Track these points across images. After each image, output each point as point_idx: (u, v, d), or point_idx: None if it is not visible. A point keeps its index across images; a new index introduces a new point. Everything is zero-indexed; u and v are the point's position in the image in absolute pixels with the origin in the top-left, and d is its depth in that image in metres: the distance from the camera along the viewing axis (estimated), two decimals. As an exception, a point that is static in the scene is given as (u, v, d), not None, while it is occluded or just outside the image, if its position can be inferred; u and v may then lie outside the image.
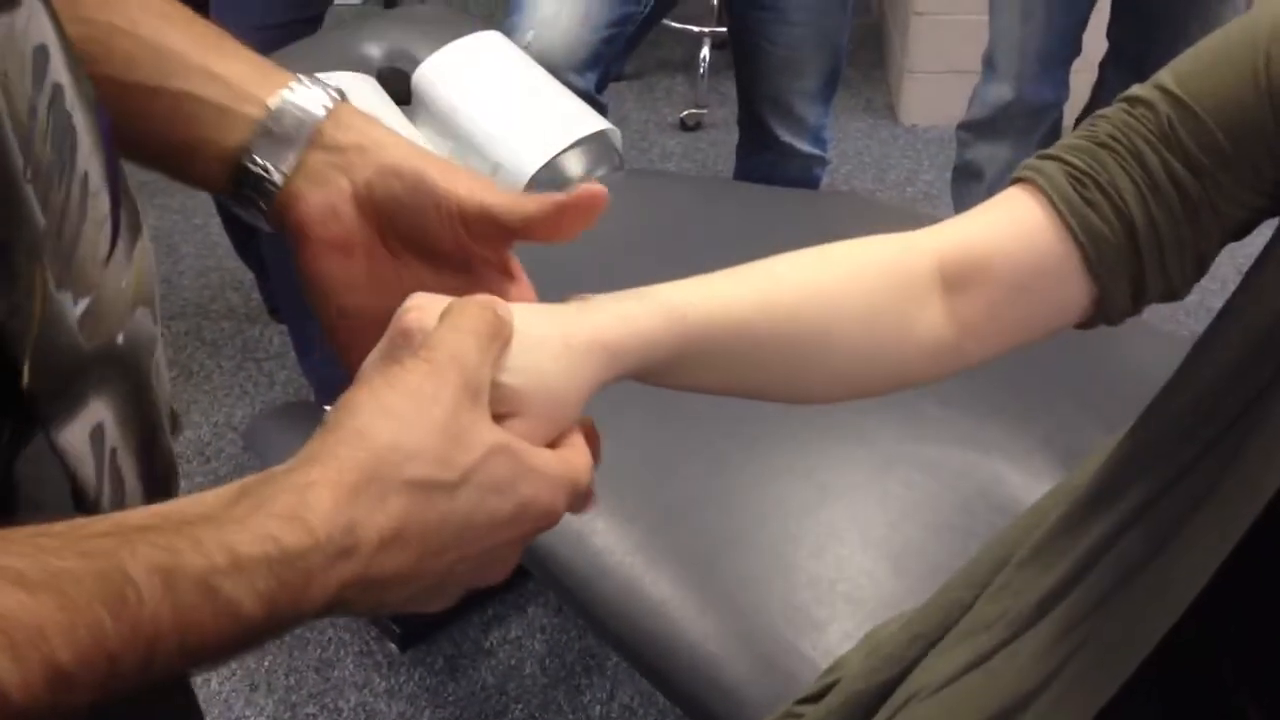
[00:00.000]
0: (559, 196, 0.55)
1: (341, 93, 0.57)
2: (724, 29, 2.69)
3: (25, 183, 0.43)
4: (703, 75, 3.02)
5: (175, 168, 0.57)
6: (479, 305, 0.50)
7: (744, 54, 1.94)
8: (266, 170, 0.55)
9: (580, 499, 0.52)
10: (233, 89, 0.55)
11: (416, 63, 1.62)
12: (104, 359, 0.49)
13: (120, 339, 0.50)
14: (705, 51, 3.03)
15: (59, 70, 0.46)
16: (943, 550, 1.10)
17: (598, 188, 0.55)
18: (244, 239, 2.08)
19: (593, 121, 1.58)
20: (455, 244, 0.57)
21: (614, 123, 1.61)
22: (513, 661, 1.70)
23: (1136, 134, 0.62)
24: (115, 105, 0.54)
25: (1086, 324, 0.65)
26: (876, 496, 1.16)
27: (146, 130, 0.56)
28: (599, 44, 1.72)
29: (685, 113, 3.00)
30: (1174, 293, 0.64)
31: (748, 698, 1.04)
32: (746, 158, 2.09)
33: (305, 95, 0.56)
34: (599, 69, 1.75)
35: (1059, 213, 0.62)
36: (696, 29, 3.09)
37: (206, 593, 0.39)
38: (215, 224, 2.42)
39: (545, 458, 0.50)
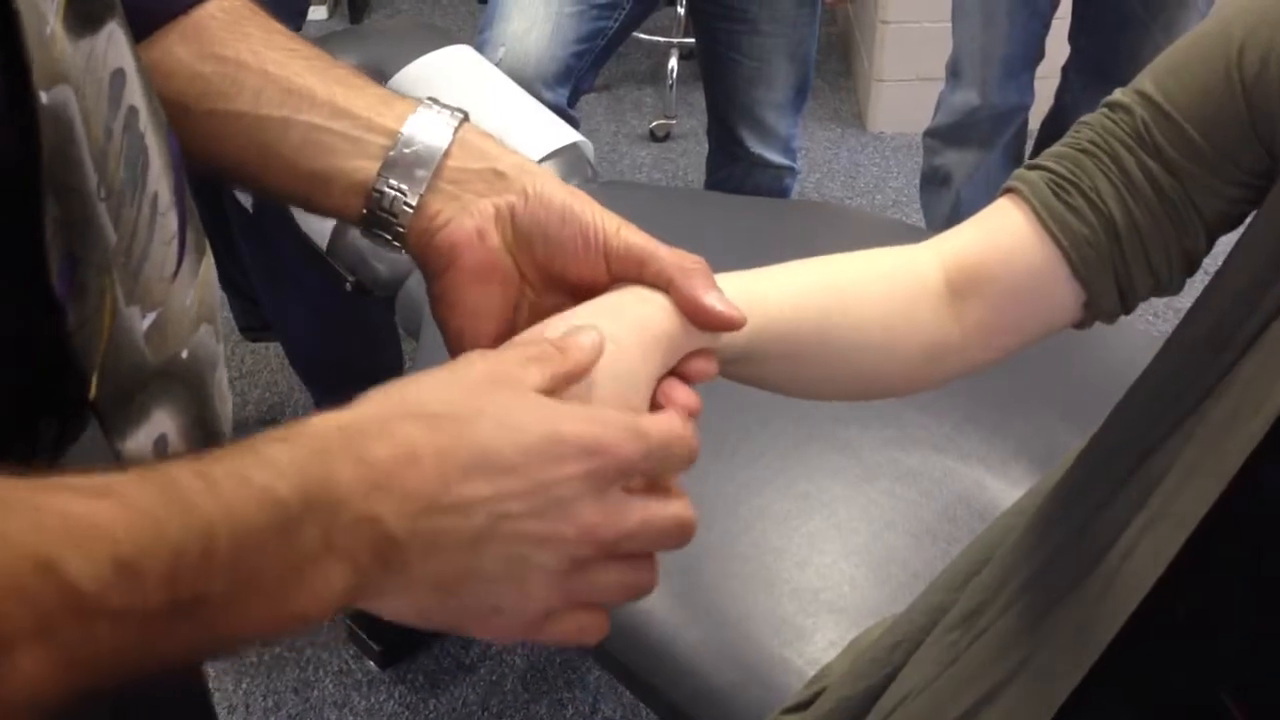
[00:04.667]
0: (703, 299, 0.56)
1: (465, 114, 0.59)
2: (691, 40, 2.70)
3: (99, 201, 0.44)
4: (671, 86, 3.03)
5: (307, 198, 0.58)
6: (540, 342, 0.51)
7: (713, 67, 1.95)
8: (402, 192, 0.56)
9: (669, 454, 0.48)
10: (360, 119, 0.57)
11: (386, 78, 1.61)
12: (168, 373, 0.50)
13: (184, 354, 0.52)
14: (673, 62, 3.04)
15: (134, 94, 0.48)
16: (925, 557, 1.11)
17: (738, 317, 0.56)
18: (215, 258, 2.06)
19: (565, 133, 1.58)
20: (593, 277, 0.58)
21: (583, 134, 1.62)
22: (494, 677, 1.70)
23: (1114, 138, 0.64)
24: (247, 138, 0.56)
25: (1081, 324, 0.67)
26: (859, 505, 1.17)
27: (278, 162, 0.57)
28: (570, 59, 1.72)
29: (654, 123, 3.01)
30: (1163, 289, 0.66)
31: (733, 708, 1.04)
32: (717, 170, 2.09)
33: (431, 120, 0.57)
34: (570, 84, 1.75)
35: (1041, 220, 0.64)
36: (664, 40, 3.10)
37: (241, 481, 0.40)
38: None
39: (588, 405, 0.49)
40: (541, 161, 1.54)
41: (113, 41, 0.46)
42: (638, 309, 0.56)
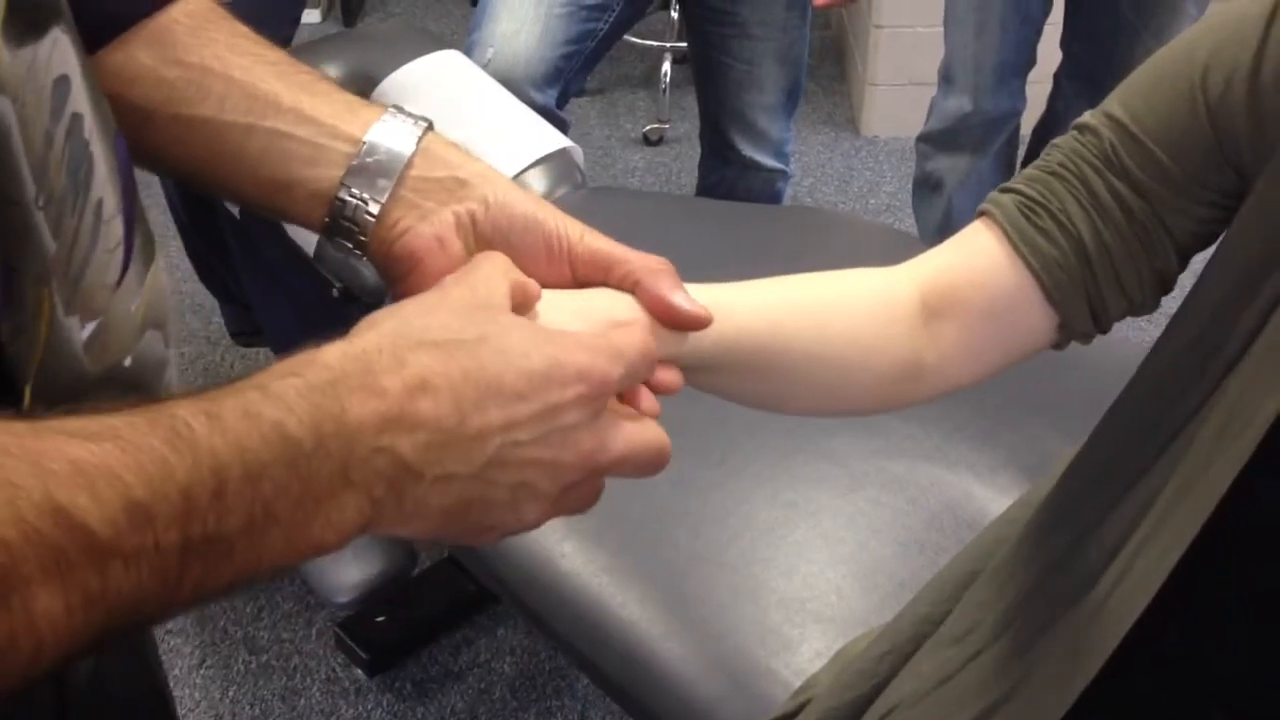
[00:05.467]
0: (670, 297, 0.57)
1: (430, 122, 0.59)
2: (684, 44, 2.69)
3: (37, 209, 0.44)
4: (664, 90, 3.03)
5: (271, 204, 0.58)
6: (507, 264, 0.53)
7: (705, 70, 1.95)
8: (363, 201, 0.56)
9: (639, 366, 0.52)
10: (325, 126, 0.57)
11: (375, 83, 1.60)
12: (111, 382, 0.50)
13: (128, 362, 0.52)
14: (666, 66, 3.04)
15: (79, 100, 0.47)
16: (912, 566, 1.10)
17: (704, 315, 0.57)
18: (206, 264, 2.06)
19: (554, 139, 1.57)
20: (559, 284, 0.58)
21: (576, 139, 1.61)
22: (482, 685, 1.69)
23: (1083, 160, 0.64)
24: (211, 144, 0.56)
25: (1057, 346, 0.67)
26: (845, 515, 1.16)
27: (242, 168, 0.57)
28: (559, 61, 1.71)
29: (648, 128, 3.01)
30: (1138, 309, 0.66)
31: (718, 718, 1.03)
32: (709, 174, 2.09)
33: (396, 128, 0.57)
34: (559, 86, 1.75)
35: (1012, 242, 0.64)
36: (657, 44, 3.10)
37: (249, 418, 0.40)
38: (175, 246, 2.39)
39: (575, 330, 0.51)
40: (530, 167, 1.53)
41: (57, 48, 0.46)
42: (604, 307, 0.57)
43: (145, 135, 0.56)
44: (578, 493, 0.50)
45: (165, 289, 0.56)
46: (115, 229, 0.50)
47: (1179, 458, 0.60)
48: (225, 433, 0.39)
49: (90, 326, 0.48)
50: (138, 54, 0.56)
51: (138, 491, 0.37)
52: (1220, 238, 0.63)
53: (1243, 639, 0.64)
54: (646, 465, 0.52)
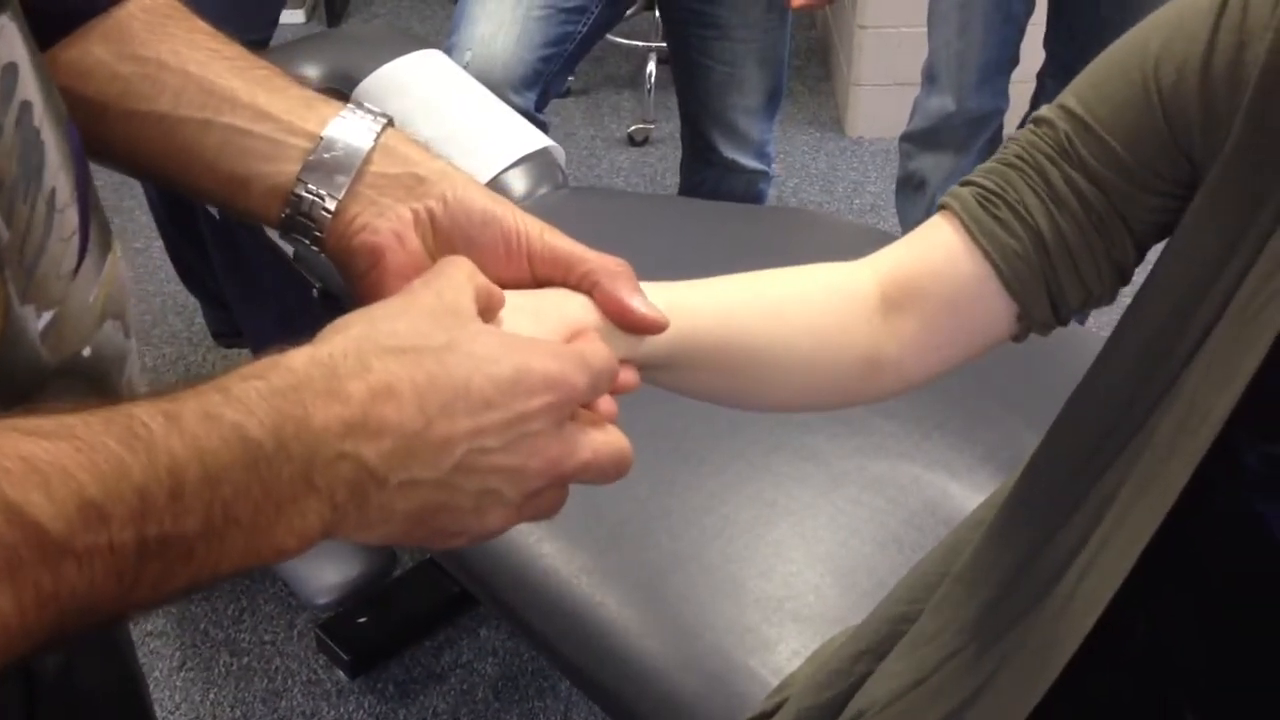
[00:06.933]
0: (627, 301, 0.57)
1: (390, 119, 0.58)
2: (668, 45, 2.69)
3: None
4: (649, 90, 3.03)
5: (227, 200, 0.58)
6: (472, 269, 0.53)
7: (685, 72, 1.94)
8: (320, 198, 0.56)
9: (604, 377, 0.52)
10: (281, 122, 0.56)
11: (355, 83, 1.60)
12: (69, 372, 0.49)
13: (86, 352, 0.51)
14: (651, 67, 3.04)
15: (28, 88, 0.47)
16: (890, 565, 1.10)
17: (661, 320, 0.57)
18: (187, 264, 2.05)
19: (535, 138, 1.57)
20: (517, 282, 0.58)
21: (561, 139, 1.61)
22: (464, 686, 1.68)
23: (1039, 151, 0.64)
24: (167, 140, 0.56)
25: (1017, 337, 0.68)
26: (824, 514, 1.16)
27: (198, 164, 0.57)
28: (537, 63, 1.71)
29: (633, 128, 3.00)
30: (1096, 300, 0.66)
31: (697, 717, 1.03)
32: (691, 174, 2.09)
33: (354, 124, 0.57)
34: (538, 87, 1.74)
35: (970, 233, 0.65)
36: (642, 44, 3.10)
37: (209, 420, 0.40)
38: (157, 247, 2.38)
39: (541, 338, 0.52)
40: (511, 167, 1.53)
41: (3, 36, 0.45)
42: (560, 308, 0.57)
43: (101, 131, 0.55)
44: (542, 499, 0.50)
45: (125, 279, 0.56)
46: (70, 217, 0.50)
47: (1138, 454, 0.60)
48: (184, 434, 0.39)
49: (47, 316, 0.48)
50: (93, 49, 0.56)
51: (92, 490, 0.36)
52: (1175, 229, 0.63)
53: (1208, 635, 0.64)
54: (610, 470, 0.51)
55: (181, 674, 1.69)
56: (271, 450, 0.41)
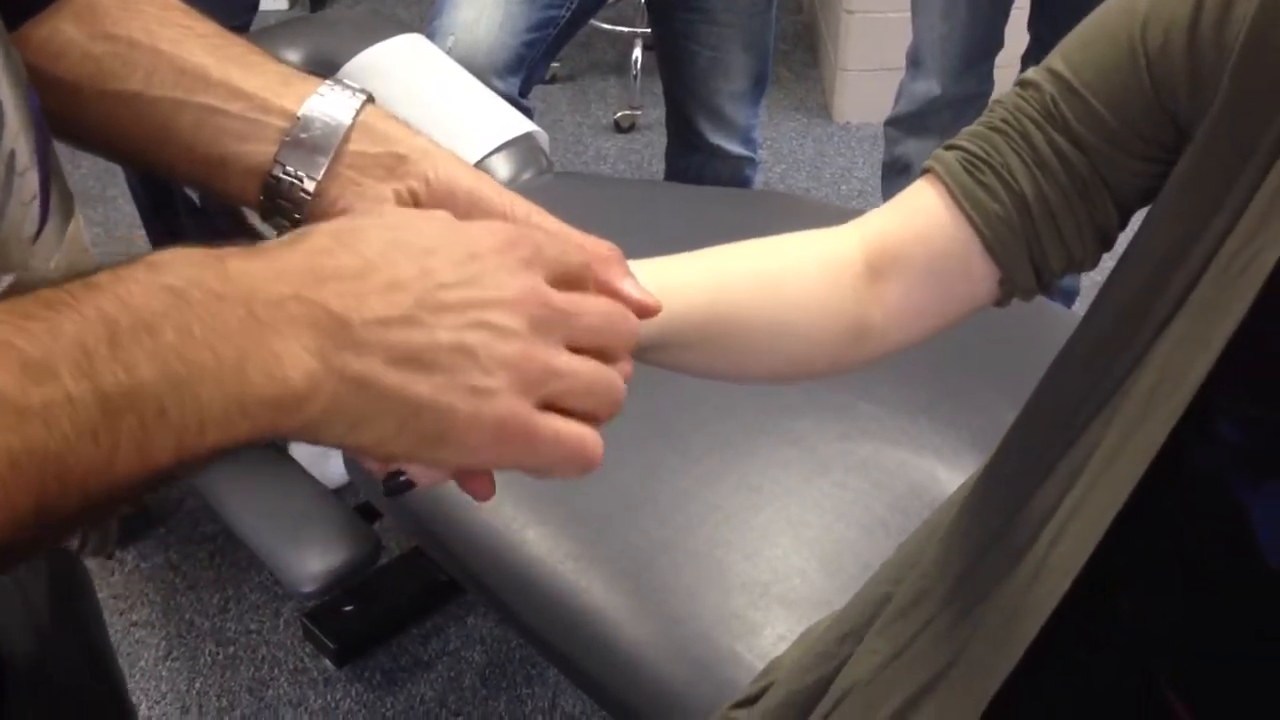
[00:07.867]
0: (618, 285, 0.54)
1: (369, 95, 0.57)
2: (654, 30, 2.68)
3: None
4: (635, 76, 3.01)
5: (205, 182, 0.56)
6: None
7: (670, 57, 1.93)
8: (299, 179, 0.54)
9: (560, 241, 0.50)
10: (257, 100, 0.55)
11: (338, 67, 1.59)
12: None
13: None
14: (637, 52, 3.02)
15: None
16: (876, 549, 1.10)
17: (653, 304, 0.55)
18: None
19: (519, 123, 1.56)
20: None
21: (547, 126, 1.60)
22: (452, 674, 1.68)
23: (1024, 115, 0.64)
24: (141, 120, 0.54)
25: (999, 302, 0.67)
26: (810, 498, 1.16)
27: (174, 145, 0.55)
28: (520, 48, 1.70)
29: (619, 114, 2.99)
30: (1078, 265, 0.66)
31: (683, 703, 1.03)
32: (676, 160, 2.08)
33: (333, 101, 0.55)
34: (522, 73, 1.73)
35: (955, 198, 0.64)
36: (628, 30, 3.08)
37: (128, 280, 0.38)
38: (141, 239, 2.37)
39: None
40: (495, 152, 1.52)
41: None
42: None
43: (76, 113, 0.54)
44: (547, 390, 0.46)
45: (87, 246, 0.55)
46: (30, 181, 0.49)
47: (1112, 419, 0.60)
48: (105, 292, 0.38)
49: (6, 280, 0.47)
50: (64, 27, 0.55)
51: (30, 350, 0.36)
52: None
53: (1190, 615, 0.64)
54: (598, 392, 0.49)
55: (167, 664, 1.68)
56: (200, 296, 0.39)
